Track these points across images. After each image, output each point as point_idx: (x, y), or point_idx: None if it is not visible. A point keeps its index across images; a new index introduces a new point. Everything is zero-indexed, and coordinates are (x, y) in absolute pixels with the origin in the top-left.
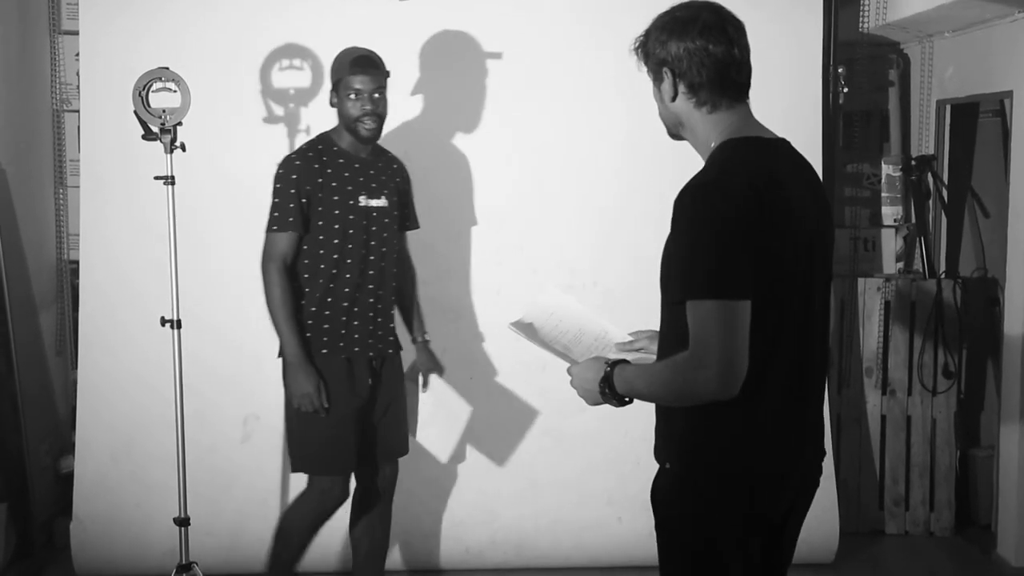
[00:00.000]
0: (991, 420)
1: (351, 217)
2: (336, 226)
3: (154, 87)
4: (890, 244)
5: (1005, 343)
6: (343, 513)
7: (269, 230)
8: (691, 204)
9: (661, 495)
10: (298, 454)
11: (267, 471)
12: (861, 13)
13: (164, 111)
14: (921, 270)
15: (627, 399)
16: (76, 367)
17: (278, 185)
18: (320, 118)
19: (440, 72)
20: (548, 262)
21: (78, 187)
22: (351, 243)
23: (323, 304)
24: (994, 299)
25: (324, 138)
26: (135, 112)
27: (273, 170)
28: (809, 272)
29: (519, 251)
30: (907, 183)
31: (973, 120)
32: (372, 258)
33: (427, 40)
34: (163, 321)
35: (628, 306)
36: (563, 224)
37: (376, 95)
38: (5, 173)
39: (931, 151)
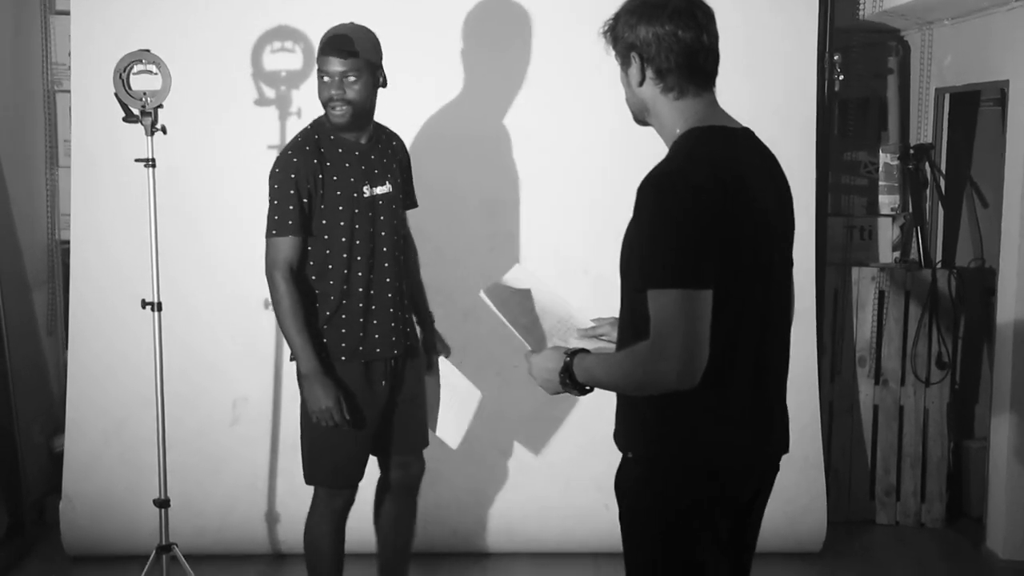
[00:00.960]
0: (986, 412)
1: (356, 211)
2: (342, 222)
3: (135, 69)
4: (887, 233)
5: (997, 333)
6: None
7: (269, 235)
8: (654, 193)
9: (626, 485)
10: (310, 468)
11: (256, 454)
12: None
13: (145, 93)
14: (917, 259)
15: (588, 388)
16: (67, 348)
17: (275, 186)
18: (312, 101)
19: (431, 58)
20: (540, 249)
21: (69, 167)
22: (359, 238)
23: (338, 308)
24: (991, 289)
25: (319, 125)
26: (116, 94)
27: (263, 153)
28: (770, 262)
29: (510, 238)
30: (905, 172)
31: (974, 109)
32: (384, 249)
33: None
34: (144, 303)
35: (619, 293)
36: (555, 212)
37: (350, 78)
38: None
39: (929, 140)
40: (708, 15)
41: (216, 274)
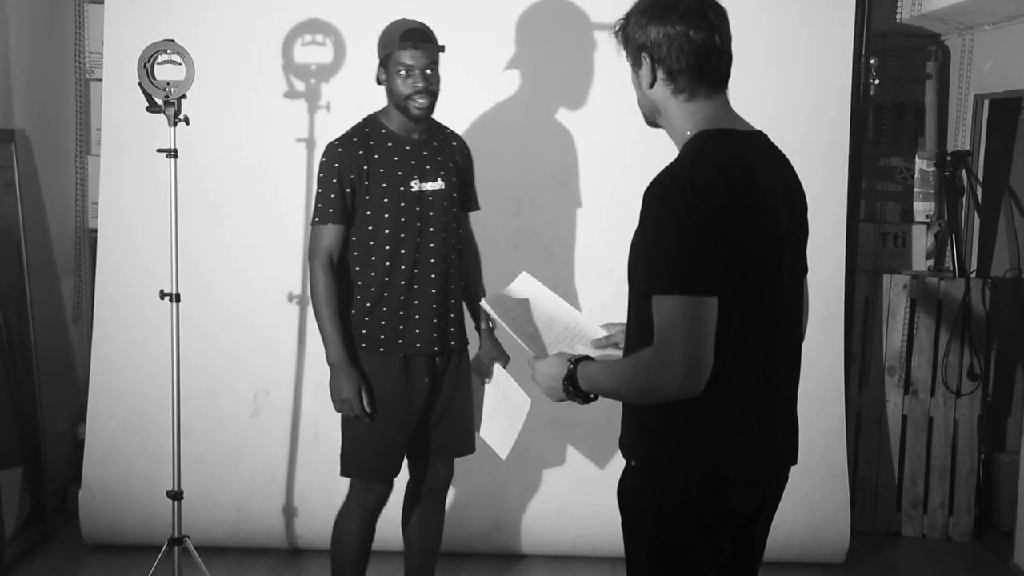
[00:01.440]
0: (1017, 425)
1: (403, 204)
2: (387, 215)
3: (159, 59)
4: (921, 241)
5: None
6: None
7: (313, 222)
8: (660, 195)
9: (628, 494)
10: (344, 457)
11: (275, 447)
12: (897, 3)
13: (168, 84)
14: (951, 268)
15: (592, 396)
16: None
17: (321, 175)
18: (341, 94)
19: (455, 54)
20: (564, 248)
21: (99, 156)
22: (404, 232)
23: (379, 299)
24: None
25: (372, 120)
26: (140, 84)
27: (290, 146)
28: (780, 267)
29: (535, 236)
30: (941, 179)
31: (1014, 116)
32: (432, 246)
33: (431, 21)
34: (162, 294)
35: None
36: (580, 210)
37: (428, 71)
38: (29, 140)
39: (967, 147)
40: (720, 15)
41: (239, 266)
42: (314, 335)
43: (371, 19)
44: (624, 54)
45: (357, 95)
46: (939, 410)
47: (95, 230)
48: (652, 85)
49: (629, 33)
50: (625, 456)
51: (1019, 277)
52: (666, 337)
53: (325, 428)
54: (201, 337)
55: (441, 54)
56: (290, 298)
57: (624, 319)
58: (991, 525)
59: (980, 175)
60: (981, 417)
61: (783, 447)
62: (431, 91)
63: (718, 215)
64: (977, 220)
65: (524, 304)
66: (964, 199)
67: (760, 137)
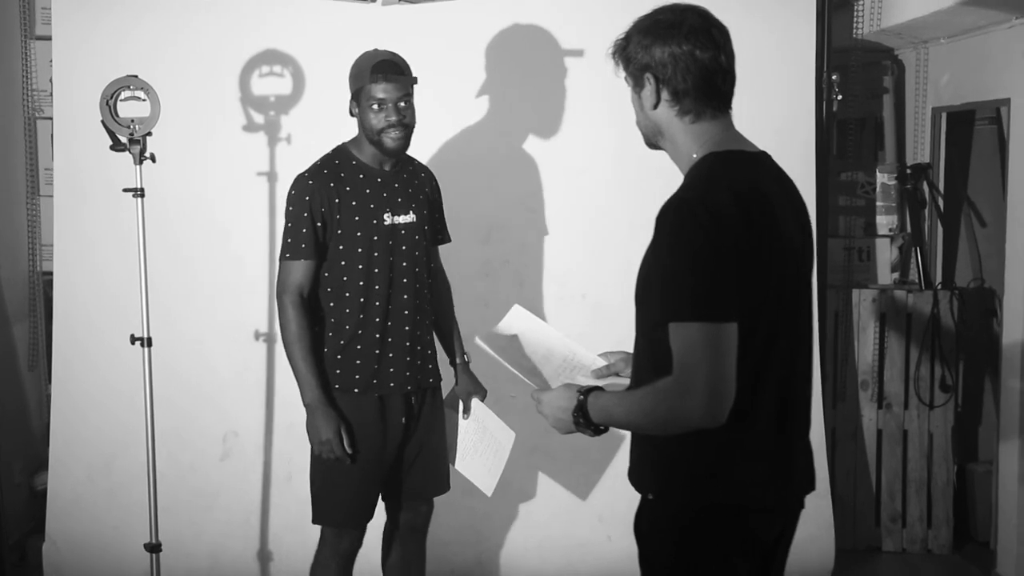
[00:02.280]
0: (989, 434)
1: (375, 238)
2: (360, 249)
3: (122, 96)
4: (885, 254)
5: (1004, 356)
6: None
7: (282, 258)
8: (674, 221)
9: (646, 528)
10: (317, 506)
11: (248, 489)
12: (855, 18)
13: (133, 121)
14: (917, 280)
15: (602, 428)
16: (50, 382)
17: (290, 208)
18: (302, 126)
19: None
20: (536, 275)
21: (51, 197)
22: (378, 266)
23: (353, 337)
24: (991, 310)
25: (341, 151)
26: (103, 122)
27: (252, 180)
28: (795, 290)
29: (506, 264)
30: (902, 192)
31: (969, 128)
32: (405, 280)
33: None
34: (133, 339)
35: (618, 318)
36: (551, 237)
37: (402, 103)
38: None
39: (927, 159)
40: (724, 35)
41: (204, 304)
42: (283, 373)
43: (330, 48)
44: (623, 74)
45: (318, 126)
46: (913, 423)
47: (48, 273)
48: (656, 106)
49: (630, 53)
50: (639, 489)
51: (982, 287)
52: (686, 366)
53: (298, 468)
54: (167, 379)
55: (415, 86)
56: (257, 336)
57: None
58: (969, 536)
59: (941, 187)
60: (954, 428)
61: (801, 474)
62: (405, 124)
63: (733, 240)
64: (940, 232)
65: (519, 338)
66: (926, 211)
67: (765, 158)
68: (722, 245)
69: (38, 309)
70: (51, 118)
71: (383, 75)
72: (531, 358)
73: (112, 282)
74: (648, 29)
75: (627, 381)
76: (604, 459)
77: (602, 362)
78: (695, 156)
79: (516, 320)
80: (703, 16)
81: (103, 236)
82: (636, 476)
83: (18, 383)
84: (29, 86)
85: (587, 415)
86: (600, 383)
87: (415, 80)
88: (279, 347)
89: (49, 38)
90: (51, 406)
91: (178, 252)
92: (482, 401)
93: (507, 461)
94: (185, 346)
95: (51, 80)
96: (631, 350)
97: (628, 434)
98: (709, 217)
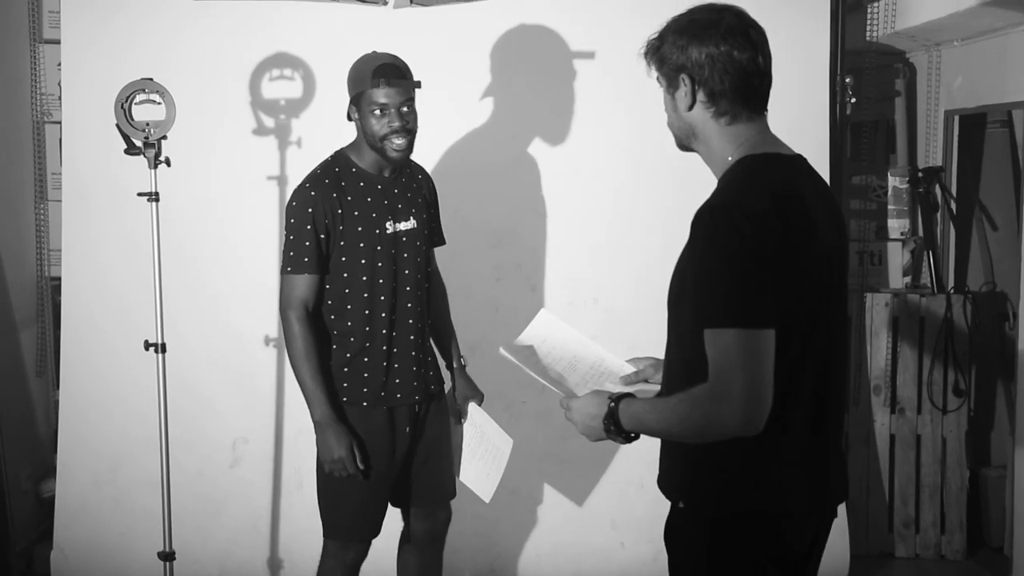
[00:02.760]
0: (1002, 439)
1: (378, 248)
2: (363, 260)
3: (137, 99)
4: (896, 258)
5: (1020, 359)
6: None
7: (284, 272)
8: (710, 224)
9: (677, 537)
10: (327, 520)
11: (257, 496)
12: (869, 21)
13: (148, 124)
14: (928, 284)
15: (633, 435)
16: (58, 387)
17: (292, 220)
18: (312, 129)
19: (430, 87)
20: (547, 279)
21: (60, 201)
22: (382, 276)
23: (359, 350)
24: (1004, 314)
25: (340, 157)
26: (117, 126)
27: (262, 184)
28: (830, 296)
29: (517, 269)
30: (914, 195)
31: (980, 131)
32: (408, 288)
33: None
34: (147, 345)
35: (630, 323)
36: (562, 241)
37: (404, 108)
38: None
39: (938, 162)
40: (762, 35)
41: (212, 310)
42: (293, 379)
43: (340, 50)
44: (655, 75)
45: (328, 129)
46: (926, 428)
47: (56, 278)
48: (691, 108)
49: (665, 53)
50: (669, 497)
51: (994, 291)
52: (723, 373)
53: (308, 475)
54: (175, 385)
55: (417, 90)
56: (267, 341)
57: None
58: (982, 541)
59: (953, 190)
60: (968, 433)
61: (835, 481)
62: (408, 130)
63: (771, 244)
64: (953, 236)
65: (545, 346)
66: (938, 215)
67: (801, 161)
68: (759, 249)
69: (46, 314)
70: (59, 122)
71: (385, 79)
72: (558, 364)
73: (120, 288)
74: (684, 29)
75: (657, 387)
76: (617, 465)
77: (631, 368)
78: (730, 159)
79: (543, 326)
80: (740, 16)
81: (111, 241)
82: (666, 484)
83: (25, 389)
84: (37, 90)
85: (618, 422)
86: (630, 389)
87: (418, 84)
88: None
89: (57, 41)
90: (59, 412)
91: (187, 257)
92: (479, 405)
93: (511, 466)
94: (194, 352)
95: (59, 84)
96: (653, 355)
97: (640, 440)
98: (746, 221)
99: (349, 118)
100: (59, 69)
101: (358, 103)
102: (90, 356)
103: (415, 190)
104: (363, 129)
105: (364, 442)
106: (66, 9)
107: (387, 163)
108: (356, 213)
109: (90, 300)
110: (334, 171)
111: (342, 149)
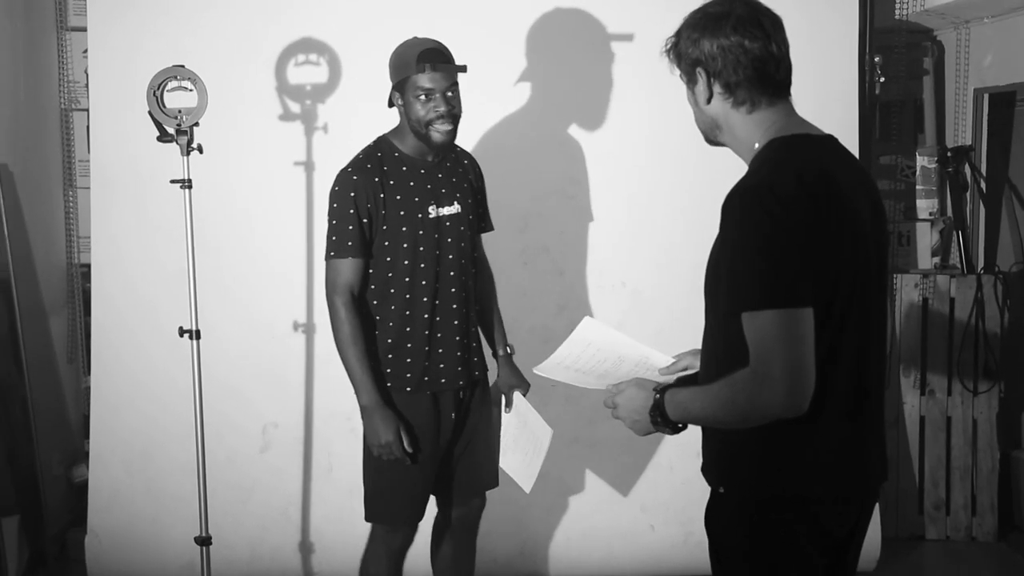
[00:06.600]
0: None
1: (421, 232)
2: (405, 244)
3: (169, 86)
4: (925, 238)
5: None
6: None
7: (328, 257)
8: (741, 208)
9: (717, 522)
10: (371, 505)
11: (287, 481)
12: (897, 0)
13: (180, 111)
14: (958, 265)
15: (681, 425)
16: (88, 374)
17: (335, 205)
18: (338, 115)
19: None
20: (575, 263)
21: (88, 188)
22: (424, 261)
23: (401, 335)
24: None
25: (383, 142)
26: (149, 113)
27: (288, 170)
28: (867, 276)
29: (544, 252)
30: (943, 175)
31: (1010, 109)
32: (452, 274)
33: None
34: (181, 332)
35: (656, 306)
36: (589, 224)
37: (449, 93)
38: (12, 174)
39: (967, 141)
40: (776, 23)
41: (240, 296)
42: (323, 364)
43: (366, 36)
44: (678, 72)
45: (355, 115)
46: (957, 409)
47: (86, 265)
48: (709, 100)
49: (682, 50)
50: (711, 483)
51: None
52: (763, 355)
53: (339, 459)
54: (205, 371)
55: (461, 75)
56: (295, 327)
57: (639, 332)
58: (1013, 524)
59: (983, 169)
60: (999, 415)
61: (876, 462)
62: (454, 115)
63: (803, 223)
64: (982, 216)
65: (591, 349)
66: (967, 194)
67: (832, 141)
68: (791, 229)
69: (76, 301)
70: (86, 109)
71: (431, 64)
72: (602, 366)
73: (148, 275)
74: (696, 23)
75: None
76: (646, 449)
77: (670, 360)
78: (757, 145)
79: (586, 332)
80: (751, 6)
81: (139, 228)
82: (708, 471)
83: (55, 375)
84: (64, 78)
85: (664, 413)
86: (673, 379)
87: (463, 68)
88: (318, 338)
89: (84, 29)
90: (90, 398)
91: (215, 243)
92: (524, 395)
93: (545, 457)
94: (223, 338)
95: (86, 71)
96: (681, 339)
97: None
98: (775, 201)
99: (391, 104)
100: (85, 56)
101: (402, 89)
102: (120, 343)
103: (460, 175)
104: (407, 115)
105: (411, 426)
106: None
107: (431, 148)
108: (398, 197)
109: (118, 287)
110: (376, 156)
111: (384, 135)
